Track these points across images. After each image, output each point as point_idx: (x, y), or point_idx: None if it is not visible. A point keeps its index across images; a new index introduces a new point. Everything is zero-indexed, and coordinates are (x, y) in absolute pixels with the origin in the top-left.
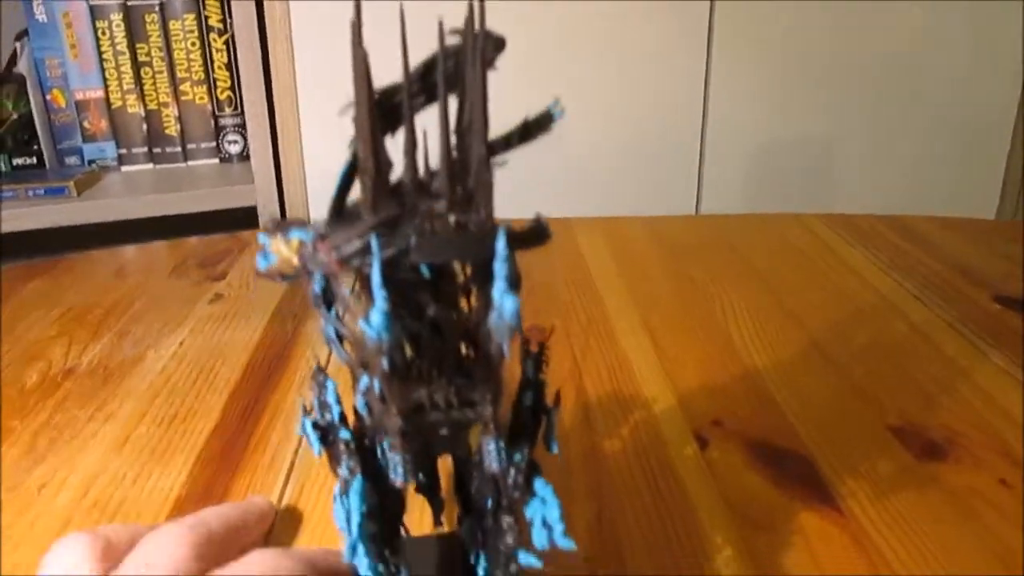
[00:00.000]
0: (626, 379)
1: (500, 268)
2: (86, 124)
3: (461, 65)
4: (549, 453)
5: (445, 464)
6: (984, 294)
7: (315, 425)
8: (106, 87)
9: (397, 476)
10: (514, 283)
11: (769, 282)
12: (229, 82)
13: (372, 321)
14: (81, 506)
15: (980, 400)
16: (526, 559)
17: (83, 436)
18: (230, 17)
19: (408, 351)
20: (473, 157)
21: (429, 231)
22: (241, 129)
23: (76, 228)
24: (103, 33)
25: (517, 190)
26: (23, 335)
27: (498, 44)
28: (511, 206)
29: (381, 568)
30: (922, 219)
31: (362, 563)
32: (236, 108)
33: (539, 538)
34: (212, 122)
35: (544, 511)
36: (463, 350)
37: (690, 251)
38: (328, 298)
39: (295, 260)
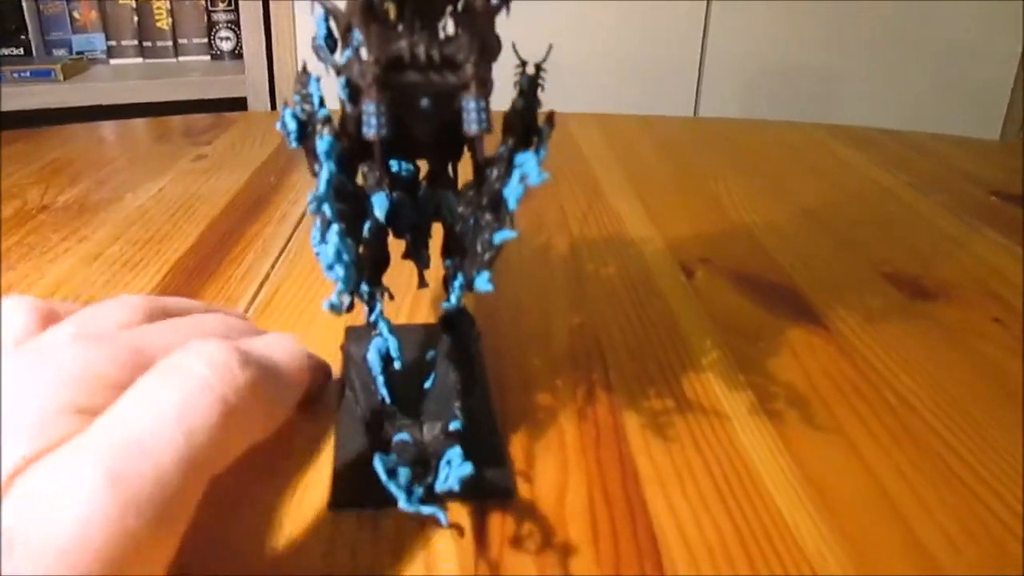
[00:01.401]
0: (614, 226)
1: None
2: (76, 14)
3: None
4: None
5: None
6: (981, 190)
7: (295, 118)
8: None
9: (370, 128)
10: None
11: (764, 170)
12: None
13: None
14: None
15: (973, 260)
16: (501, 236)
17: (54, 251)
18: None
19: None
20: None
21: None
22: (234, 25)
23: (61, 112)
24: None
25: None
26: None
27: None
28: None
29: (350, 244)
30: (923, 134)
31: (331, 241)
32: (229, 3)
33: (514, 193)
34: (205, 17)
35: (522, 170)
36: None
37: (686, 145)
38: None
39: None
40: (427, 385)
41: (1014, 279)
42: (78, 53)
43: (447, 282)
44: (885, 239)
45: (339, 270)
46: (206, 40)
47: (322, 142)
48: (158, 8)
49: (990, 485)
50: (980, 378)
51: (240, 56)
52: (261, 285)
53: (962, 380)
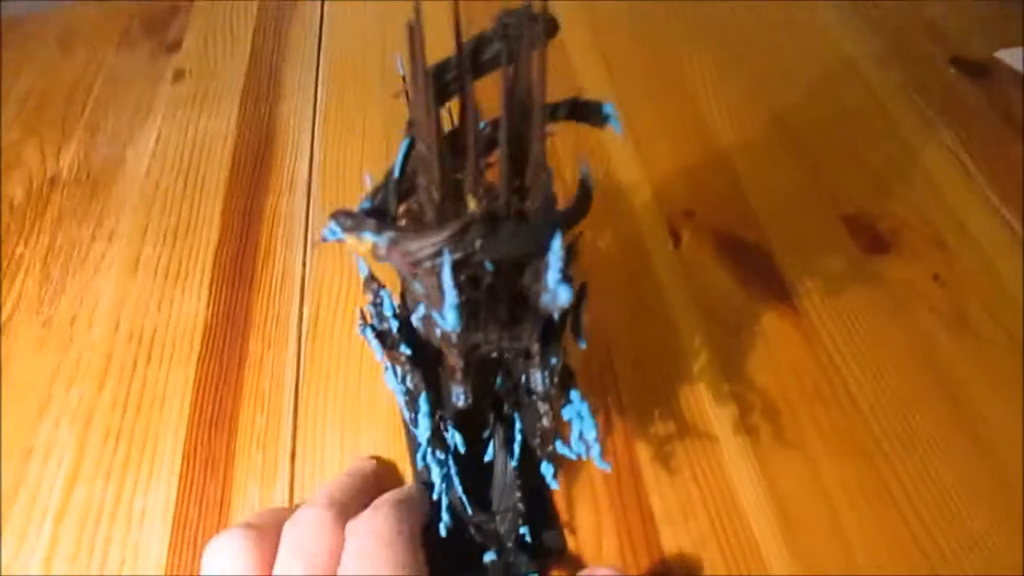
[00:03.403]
0: (603, 163)
1: (555, 261)
2: None
3: (512, 44)
4: (579, 347)
5: None
6: (942, 54)
7: (375, 331)
8: None
9: (459, 401)
10: (568, 277)
11: (737, 45)
12: None
13: (446, 317)
14: (117, 339)
15: (926, 187)
16: (562, 448)
17: (92, 258)
18: None
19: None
20: (532, 152)
21: (492, 233)
22: None
23: None
24: None
25: None
26: None
27: (551, 27)
28: None
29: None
30: None
31: (434, 468)
32: None
33: (577, 447)
34: None
35: (582, 427)
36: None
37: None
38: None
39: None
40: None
41: (957, 208)
42: None
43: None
44: (850, 156)
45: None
46: None
47: (424, 410)
48: None
49: (914, 504)
50: (915, 361)
51: None
52: (302, 295)
53: (900, 365)
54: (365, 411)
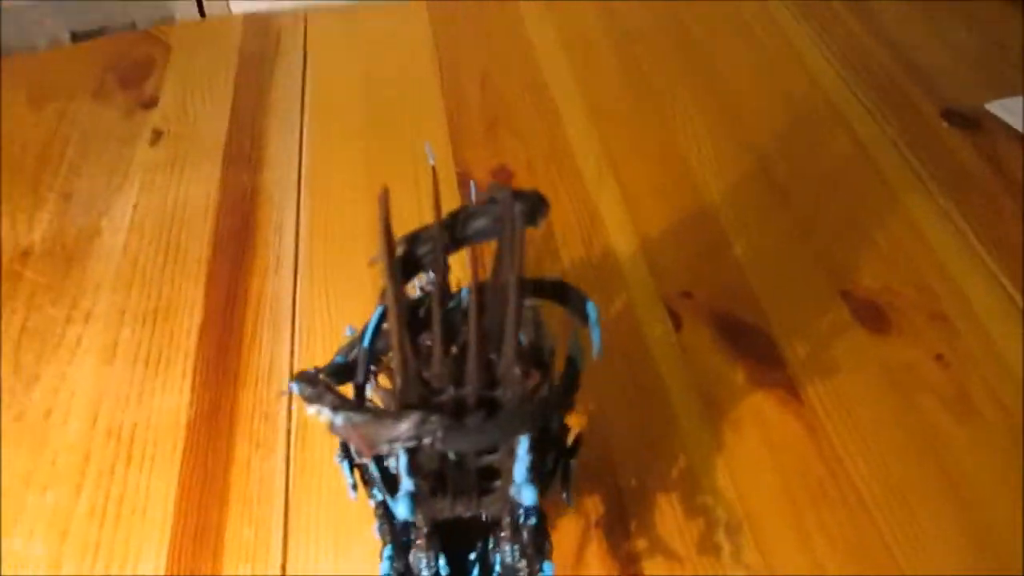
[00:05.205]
0: (599, 239)
1: (523, 457)
2: None
3: (499, 222)
4: (567, 504)
5: None
6: (932, 107)
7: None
8: None
9: (422, 573)
10: (535, 479)
11: (721, 91)
12: None
13: (400, 504)
14: (95, 436)
15: (924, 256)
16: None
17: (66, 344)
18: None
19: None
20: (506, 340)
21: (456, 426)
22: None
23: None
24: None
25: None
26: None
27: (542, 207)
28: None
29: None
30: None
31: None
32: None
33: None
34: None
35: None
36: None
37: (643, 45)
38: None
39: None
40: None
41: (957, 278)
42: None
43: None
44: (842, 221)
45: None
46: None
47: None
48: None
49: None
50: (920, 451)
51: None
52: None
53: (905, 457)
54: (358, 517)
